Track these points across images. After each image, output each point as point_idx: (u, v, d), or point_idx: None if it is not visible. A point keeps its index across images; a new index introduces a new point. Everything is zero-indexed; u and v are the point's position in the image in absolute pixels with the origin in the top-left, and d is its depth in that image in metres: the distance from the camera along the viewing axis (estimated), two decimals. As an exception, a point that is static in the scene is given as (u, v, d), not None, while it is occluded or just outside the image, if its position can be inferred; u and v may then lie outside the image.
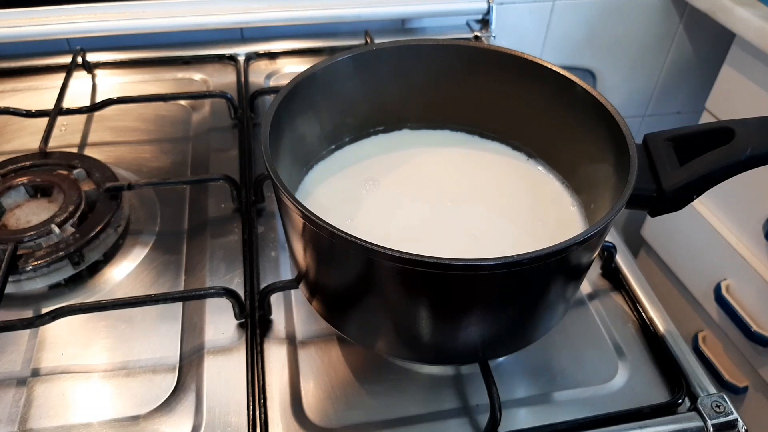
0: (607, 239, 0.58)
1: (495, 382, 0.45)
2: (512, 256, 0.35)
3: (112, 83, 0.81)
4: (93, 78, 0.82)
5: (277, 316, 0.53)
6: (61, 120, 0.72)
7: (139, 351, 0.50)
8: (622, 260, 0.58)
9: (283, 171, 0.46)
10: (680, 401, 0.47)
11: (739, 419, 0.45)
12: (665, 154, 0.42)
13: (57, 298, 0.54)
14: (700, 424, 0.45)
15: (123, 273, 0.57)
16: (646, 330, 0.53)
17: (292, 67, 0.85)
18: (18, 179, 0.60)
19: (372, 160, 0.54)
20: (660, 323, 0.53)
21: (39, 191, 0.61)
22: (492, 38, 0.89)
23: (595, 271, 0.58)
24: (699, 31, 1.06)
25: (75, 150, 0.69)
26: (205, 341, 0.51)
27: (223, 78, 0.82)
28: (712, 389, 0.48)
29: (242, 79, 0.80)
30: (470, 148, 0.56)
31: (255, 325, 0.51)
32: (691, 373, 0.49)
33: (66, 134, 0.72)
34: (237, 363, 0.49)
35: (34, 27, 0.81)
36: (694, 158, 0.42)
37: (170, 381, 0.48)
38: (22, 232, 0.55)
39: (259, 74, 0.83)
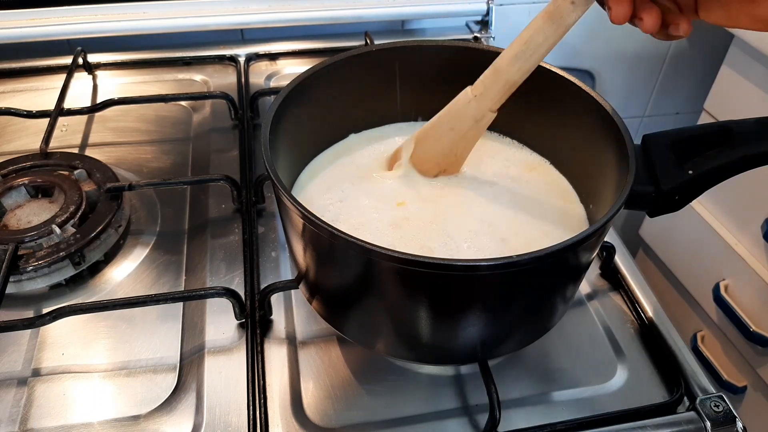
0: (605, 239, 0.58)
1: (494, 381, 0.45)
2: (511, 257, 0.35)
3: (113, 84, 0.81)
4: (94, 79, 0.82)
5: (278, 316, 0.53)
6: (61, 120, 0.72)
7: (140, 351, 0.50)
8: (621, 260, 0.58)
9: (283, 171, 0.47)
10: (679, 401, 0.47)
11: (738, 419, 0.46)
12: (664, 155, 0.42)
13: (58, 298, 0.55)
14: (699, 423, 0.45)
15: (124, 273, 0.57)
16: (645, 330, 0.53)
17: (292, 68, 0.85)
18: (19, 180, 0.60)
19: (372, 156, 0.54)
20: (659, 323, 0.53)
21: (40, 191, 0.61)
22: (491, 39, 0.90)
23: (594, 271, 0.58)
24: (697, 32, 1.07)
25: (76, 150, 0.70)
26: (206, 341, 0.51)
27: (224, 79, 0.82)
28: (711, 389, 0.48)
29: (243, 80, 0.81)
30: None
31: (255, 325, 0.51)
32: (690, 373, 0.49)
33: (67, 135, 0.72)
34: (237, 363, 0.49)
35: (35, 28, 0.81)
36: (693, 159, 0.42)
37: (171, 381, 0.48)
38: (23, 232, 0.55)
39: (259, 75, 0.83)
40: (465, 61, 0.53)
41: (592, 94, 0.47)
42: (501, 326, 0.43)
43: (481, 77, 0.46)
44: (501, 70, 0.44)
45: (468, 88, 0.47)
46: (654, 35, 0.39)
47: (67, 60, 0.80)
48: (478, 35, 0.90)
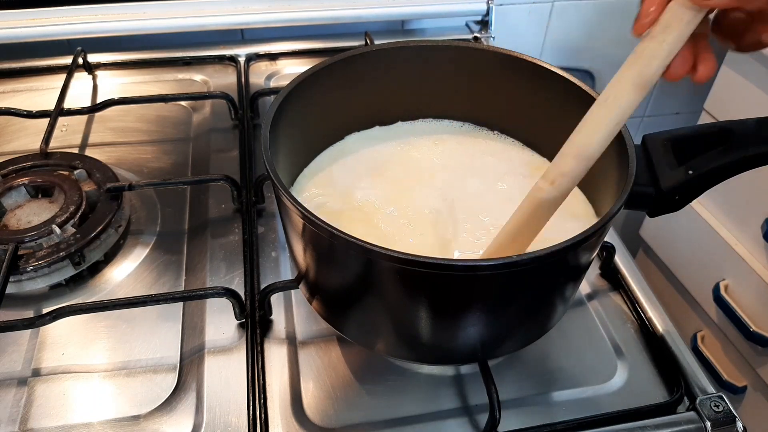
0: (606, 239, 0.58)
1: (494, 382, 0.45)
2: (511, 257, 0.35)
3: (113, 84, 0.81)
4: (94, 79, 0.82)
5: (278, 316, 0.53)
6: (61, 120, 0.72)
7: (140, 351, 0.50)
8: (621, 260, 0.58)
9: (283, 171, 0.47)
10: (679, 401, 0.47)
11: (738, 419, 0.46)
12: (664, 155, 0.43)
13: (58, 298, 0.55)
14: (699, 423, 0.46)
15: (124, 273, 0.57)
16: (645, 330, 0.53)
17: (292, 68, 0.85)
18: (19, 180, 0.60)
19: (372, 156, 0.54)
20: (659, 323, 0.53)
21: (40, 192, 0.61)
22: (491, 39, 0.90)
23: (594, 271, 0.58)
24: (698, 32, 1.06)
25: (76, 150, 0.70)
26: (206, 341, 0.51)
27: (224, 79, 0.82)
28: (711, 389, 0.48)
29: (243, 80, 0.81)
30: (469, 137, 0.56)
31: (255, 325, 0.51)
32: (690, 373, 0.49)
33: (67, 135, 0.72)
34: (237, 363, 0.49)
35: (35, 28, 0.81)
36: (693, 159, 0.42)
37: (171, 381, 0.48)
38: (23, 232, 0.55)
39: (259, 75, 0.83)
40: (465, 61, 0.53)
41: (593, 94, 0.47)
42: (501, 326, 0.43)
43: (564, 168, 0.38)
44: (590, 158, 0.37)
45: (546, 185, 0.39)
46: (740, 49, 0.36)
47: (67, 60, 0.80)
48: (478, 35, 0.90)
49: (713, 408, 0.46)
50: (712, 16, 0.35)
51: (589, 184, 0.50)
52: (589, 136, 0.37)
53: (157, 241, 0.60)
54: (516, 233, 0.41)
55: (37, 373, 0.49)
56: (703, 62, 0.35)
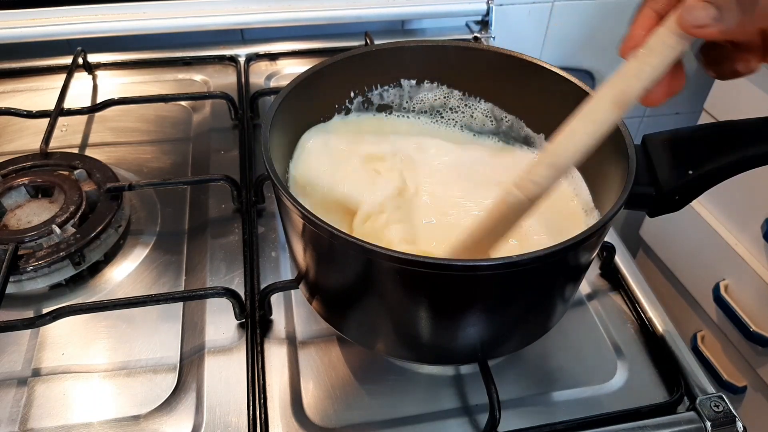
0: (606, 239, 0.58)
1: (494, 381, 0.45)
2: (511, 257, 0.35)
3: (113, 84, 0.81)
4: (94, 79, 0.82)
5: (278, 316, 0.53)
6: (61, 120, 0.72)
7: (140, 351, 0.50)
8: (621, 260, 0.58)
9: (282, 171, 0.47)
10: (679, 401, 0.47)
11: (738, 419, 0.46)
12: (664, 155, 0.43)
13: (58, 298, 0.55)
14: (699, 423, 0.46)
15: (124, 273, 0.57)
16: (645, 330, 0.53)
17: (292, 68, 0.85)
18: (19, 180, 0.60)
19: (372, 155, 0.54)
20: (659, 323, 0.53)
21: (40, 192, 0.61)
22: (491, 39, 0.90)
23: (594, 271, 0.58)
24: (698, 32, 1.06)
25: (76, 150, 0.70)
26: (206, 341, 0.51)
27: (224, 79, 0.82)
28: (711, 389, 0.48)
29: (243, 80, 0.81)
30: (468, 142, 0.56)
31: (255, 325, 0.51)
32: (690, 373, 0.49)
33: (67, 135, 0.72)
34: (237, 363, 0.49)
35: (35, 28, 0.81)
36: (693, 159, 0.42)
37: (171, 381, 0.48)
38: (23, 232, 0.55)
39: (259, 75, 0.83)
40: (465, 61, 0.53)
41: (592, 94, 0.47)
42: (501, 326, 0.43)
43: (534, 176, 0.38)
44: (562, 168, 0.38)
45: (515, 190, 0.38)
46: (719, 77, 0.37)
47: (67, 60, 0.80)
48: (478, 35, 0.90)
49: (713, 408, 0.46)
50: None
51: (589, 184, 0.50)
52: (565, 148, 0.37)
53: (157, 241, 0.60)
54: (482, 235, 0.41)
55: (37, 373, 0.49)
56: (676, 79, 0.37)
